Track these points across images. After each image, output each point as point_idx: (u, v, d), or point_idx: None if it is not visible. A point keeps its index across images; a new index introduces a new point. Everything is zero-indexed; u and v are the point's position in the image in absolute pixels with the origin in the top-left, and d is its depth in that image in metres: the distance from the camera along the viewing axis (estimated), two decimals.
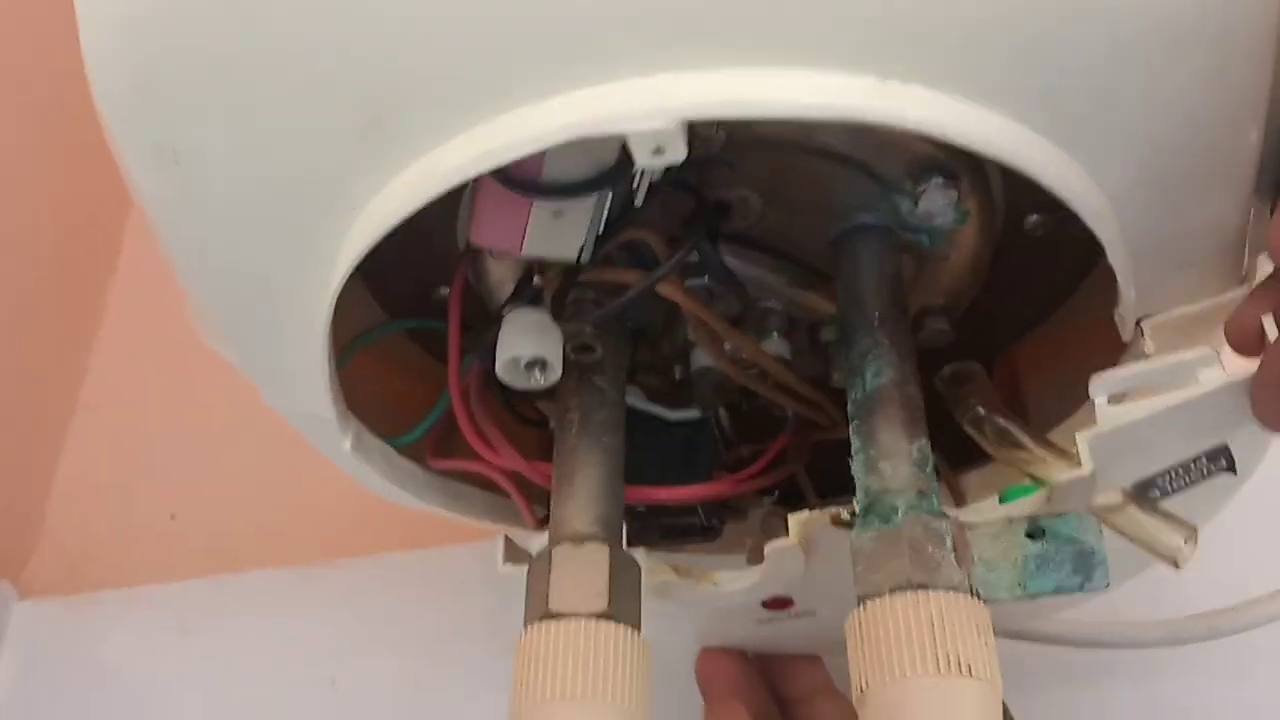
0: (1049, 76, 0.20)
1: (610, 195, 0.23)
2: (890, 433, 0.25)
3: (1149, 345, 0.26)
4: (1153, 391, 0.25)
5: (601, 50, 0.19)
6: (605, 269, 0.25)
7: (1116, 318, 0.27)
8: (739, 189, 0.27)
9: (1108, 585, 0.23)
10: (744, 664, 0.34)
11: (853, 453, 0.26)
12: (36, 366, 0.56)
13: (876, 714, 0.22)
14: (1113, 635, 0.35)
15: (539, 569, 0.25)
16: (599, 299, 0.25)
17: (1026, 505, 0.26)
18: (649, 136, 0.20)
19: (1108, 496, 0.26)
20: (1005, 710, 0.28)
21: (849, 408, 0.27)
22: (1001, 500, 0.28)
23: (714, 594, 0.28)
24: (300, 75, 0.20)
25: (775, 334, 0.30)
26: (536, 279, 0.26)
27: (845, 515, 0.26)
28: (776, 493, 0.34)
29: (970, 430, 0.29)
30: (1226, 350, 0.25)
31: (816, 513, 0.27)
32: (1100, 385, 0.25)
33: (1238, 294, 0.26)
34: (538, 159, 0.22)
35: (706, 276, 0.27)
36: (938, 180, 0.27)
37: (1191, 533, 0.26)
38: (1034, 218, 0.29)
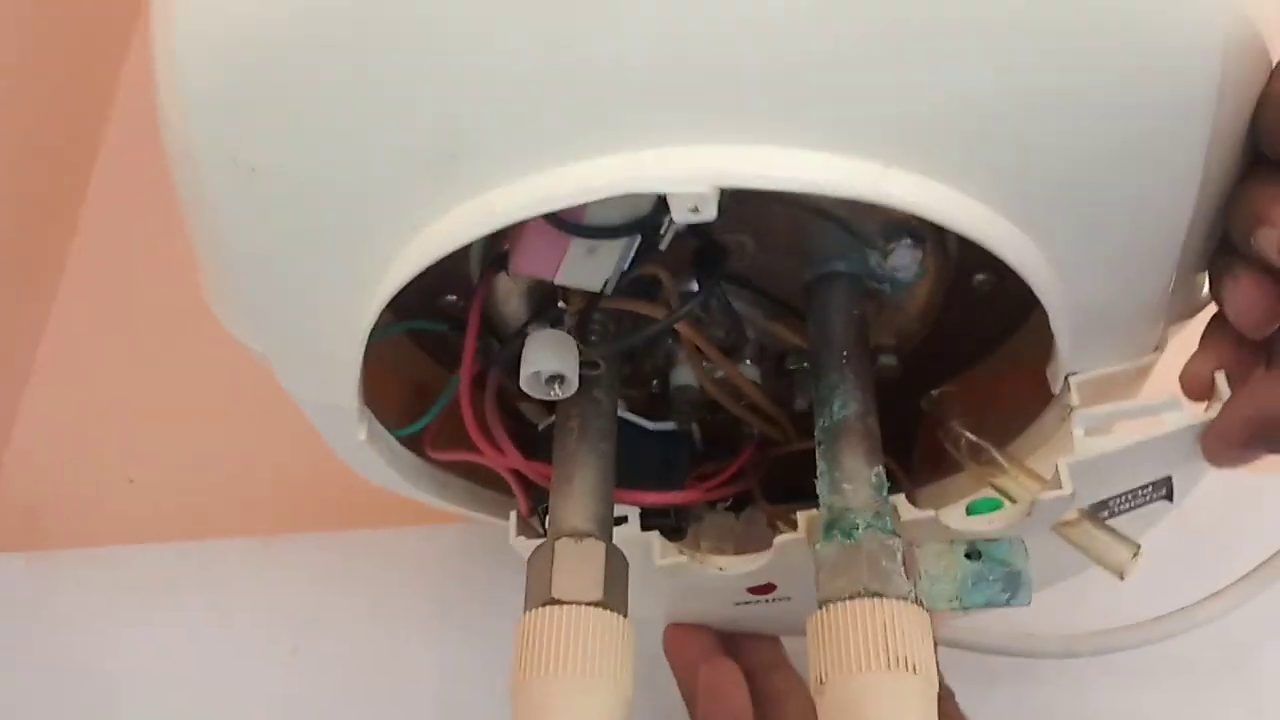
0: (1026, 174, 0.24)
1: (639, 238, 0.26)
2: (853, 459, 0.29)
3: (1074, 399, 0.31)
4: (1120, 428, 0.29)
5: (657, 121, 0.23)
6: (625, 300, 0.28)
7: (1049, 372, 0.31)
8: (736, 234, 0.30)
9: (1029, 603, 0.28)
10: (713, 636, 0.37)
11: (818, 473, 0.30)
12: None
13: (834, 704, 0.26)
14: (1016, 645, 0.39)
15: (541, 559, 0.28)
16: (614, 324, 0.29)
17: (1013, 516, 0.30)
18: (688, 198, 0.23)
19: (1067, 513, 0.31)
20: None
21: (816, 433, 0.30)
22: (969, 512, 0.32)
23: (717, 577, 0.32)
24: (389, 108, 0.23)
25: (748, 360, 0.34)
26: (561, 303, 0.29)
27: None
28: (730, 500, 0.38)
29: (949, 446, 0.33)
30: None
31: (822, 511, 0.30)
32: (1079, 420, 0.29)
33: (1154, 358, 0.31)
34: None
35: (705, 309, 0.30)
36: (907, 241, 0.31)
37: (1137, 549, 0.31)
38: (980, 276, 0.33)
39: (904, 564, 0.27)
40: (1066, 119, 0.24)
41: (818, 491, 0.29)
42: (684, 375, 0.34)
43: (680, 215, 0.23)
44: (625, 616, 0.28)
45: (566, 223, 0.25)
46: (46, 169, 0.62)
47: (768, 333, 0.34)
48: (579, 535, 0.28)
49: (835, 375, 0.31)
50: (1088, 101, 0.24)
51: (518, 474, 0.33)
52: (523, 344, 0.29)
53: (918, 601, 0.27)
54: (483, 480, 0.37)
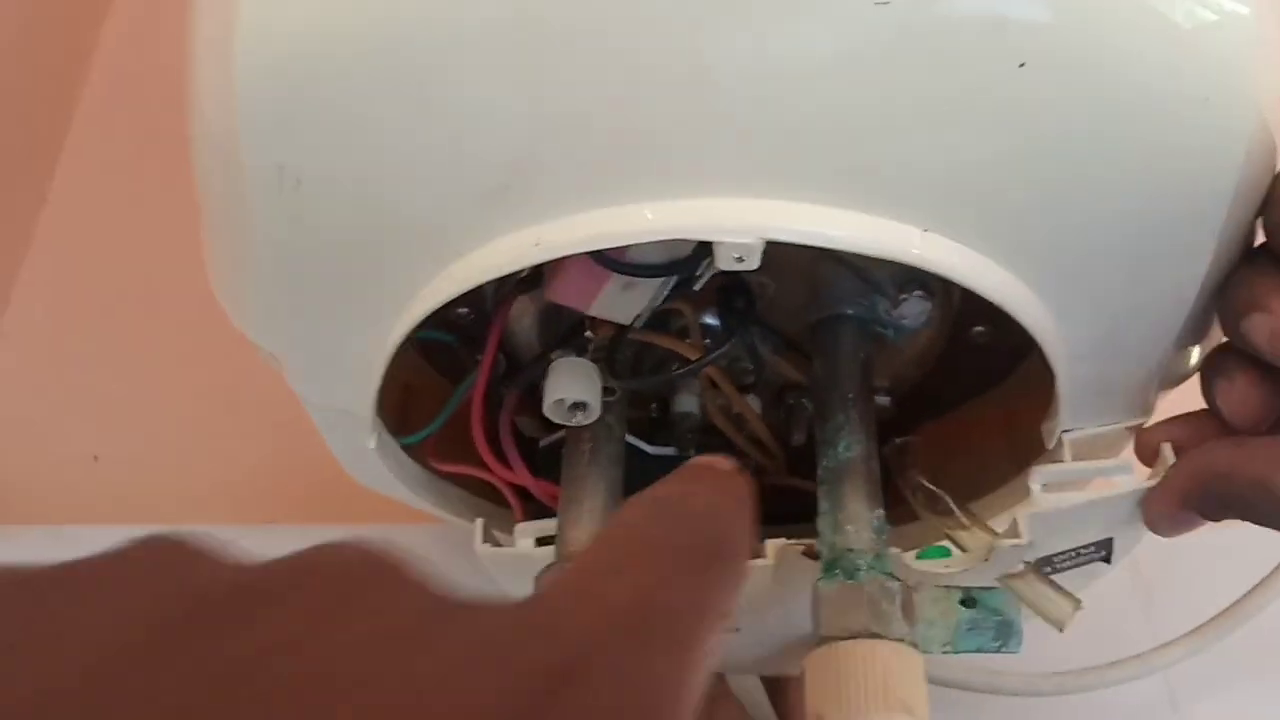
0: (1051, 248, 0.25)
1: (676, 279, 0.27)
2: (856, 501, 0.30)
3: (1067, 455, 0.32)
4: (1074, 487, 0.31)
5: (710, 171, 0.23)
6: (652, 333, 0.29)
7: (1044, 429, 0.32)
8: (759, 276, 0.31)
9: (1019, 651, 0.29)
10: None
11: (820, 511, 0.31)
12: None
13: None
14: (977, 680, 0.41)
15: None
16: (634, 354, 0.29)
17: (969, 561, 0.31)
18: (736, 247, 0.24)
19: (1015, 565, 0.32)
20: None
21: (820, 471, 0.31)
22: (919, 557, 0.33)
23: None
24: (446, 137, 0.24)
25: (752, 393, 0.35)
26: (588, 332, 0.30)
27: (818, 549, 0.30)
28: None
29: (907, 493, 0.35)
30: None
31: (792, 542, 0.30)
32: (1036, 475, 0.30)
33: (1142, 420, 0.32)
34: None
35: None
36: (919, 293, 0.32)
37: (1078, 604, 0.32)
38: (979, 328, 0.35)
39: (903, 607, 0.28)
40: (1096, 199, 0.25)
41: (819, 529, 0.30)
42: (686, 402, 0.35)
43: (725, 263, 0.24)
44: None
45: (610, 259, 0.26)
46: (16, 141, 0.61)
47: (772, 367, 0.35)
48: None
49: (841, 416, 0.32)
50: (1115, 185, 0.25)
51: (518, 489, 0.33)
52: (544, 369, 0.29)
53: (914, 644, 0.28)
54: (475, 491, 0.37)
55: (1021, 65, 0.22)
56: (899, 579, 0.29)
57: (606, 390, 0.30)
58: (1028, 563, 0.32)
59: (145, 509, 0.51)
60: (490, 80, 0.23)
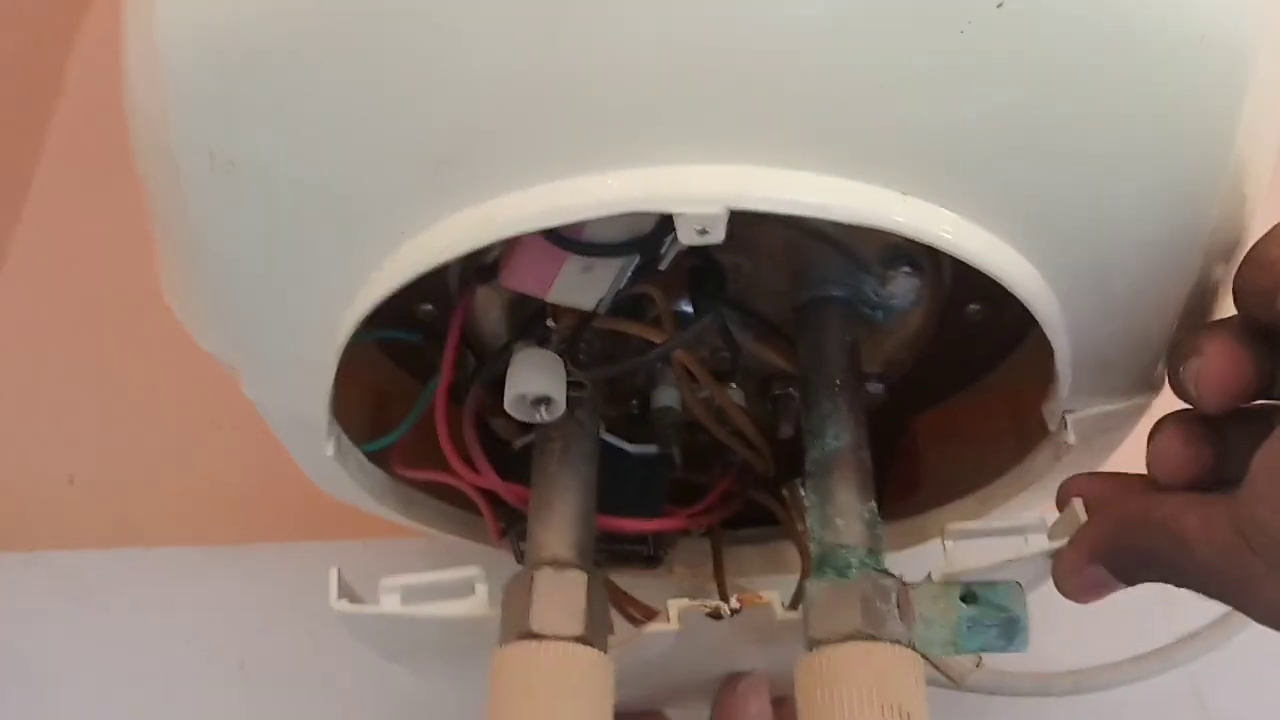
0: (1041, 208, 0.24)
1: (638, 258, 0.25)
2: (846, 493, 0.28)
3: (1070, 436, 0.30)
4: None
5: (667, 136, 0.22)
6: (617, 319, 0.27)
7: (1045, 410, 0.30)
8: (733, 255, 0.29)
9: (1026, 649, 0.27)
10: None
11: (808, 505, 0.29)
12: None
13: None
14: (988, 682, 0.38)
15: (518, 589, 0.26)
16: (602, 344, 0.27)
17: None
18: (697, 219, 0.22)
19: None
20: None
21: (806, 464, 0.29)
22: None
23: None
24: (382, 107, 0.22)
25: (733, 384, 0.33)
26: (550, 321, 0.28)
27: (725, 609, 0.28)
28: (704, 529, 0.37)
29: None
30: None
31: (697, 602, 0.28)
32: (952, 532, 0.28)
33: (1149, 398, 0.30)
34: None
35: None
36: (905, 269, 0.30)
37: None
38: (973, 307, 0.33)
39: (899, 606, 0.26)
40: (1087, 150, 0.23)
41: (808, 525, 0.28)
42: (666, 396, 0.33)
43: (686, 236, 0.22)
44: (606, 652, 0.26)
45: (565, 239, 0.24)
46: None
47: (754, 355, 0.33)
48: (560, 564, 0.27)
49: (828, 404, 0.30)
50: (1108, 134, 0.23)
51: (488, 494, 0.31)
52: (507, 362, 0.27)
53: (911, 645, 0.26)
54: (450, 499, 0.35)
55: (999, 5, 0.20)
56: (894, 575, 0.27)
57: (576, 384, 0.28)
58: None
59: (124, 531, 0.50)
60: (430, 42, 0.21)
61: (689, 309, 0.30)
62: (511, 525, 0.32)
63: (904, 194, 0.23)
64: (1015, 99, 0.22)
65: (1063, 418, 0.30)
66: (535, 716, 0.25)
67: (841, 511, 0.28)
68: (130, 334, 0.54)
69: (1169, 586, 0.25)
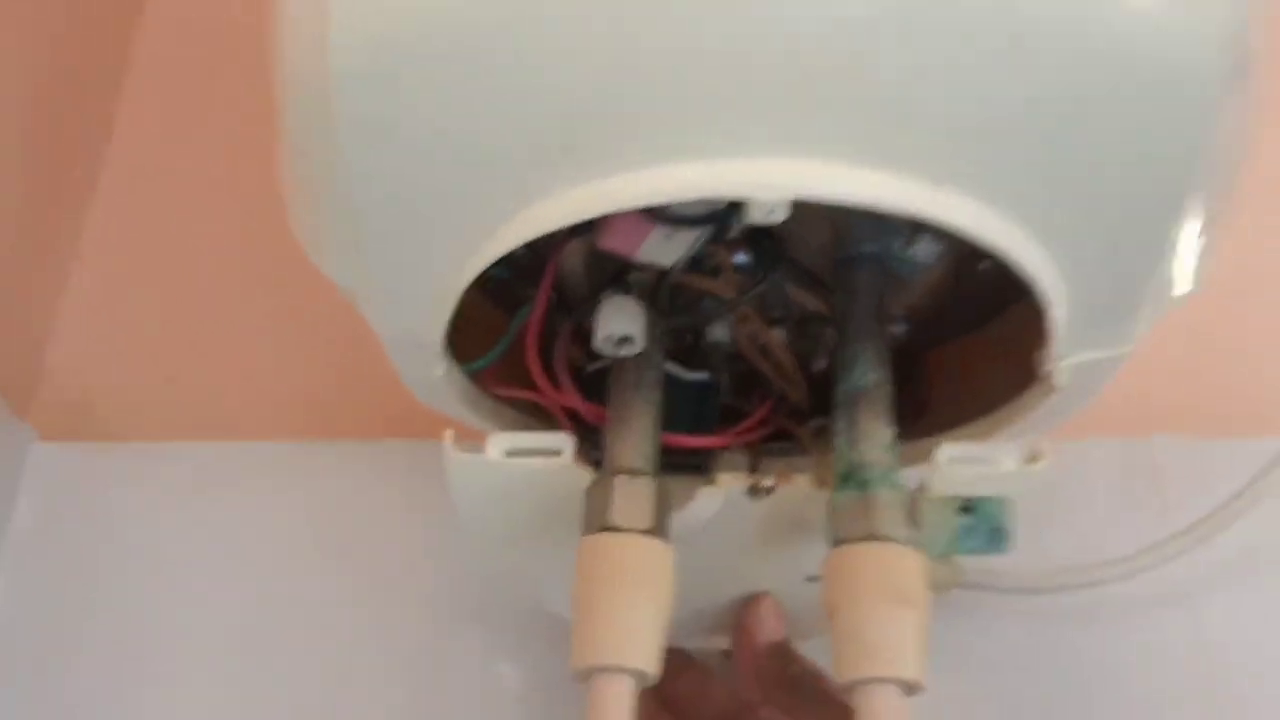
0: (1054, 200, 0.29)
1: (712, 228, 0.31)
2: (870, 422, 0.34)
3: (1060, 379, 0.35)
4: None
5: (747, 133, 0.27)
6: (691, 275, 0.33)
7: (1038, 358, 0.36)
8: (785, 222, 0.35)
9: (1005, 552, 0.33)
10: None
11: (835, 430, 0.35)
12: (36, 209, 0.58)
13: (844, 629, 0.31)
14: (981, 579, 0.45)
15: (600, 491, 0.33)
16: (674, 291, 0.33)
17: None
18: (768, 205, 0.27)
19: None
20: None
21: (836, 394, 0.35)
22: None
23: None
24: (517, 100, 0.26)
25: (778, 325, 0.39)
26: (633, 274, 0.34)
27: (765, 482, 0.35)
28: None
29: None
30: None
31: (741, 473, 0.35)
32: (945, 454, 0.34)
33: (1129, 347, 0.36)
34: None
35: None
36: (930, 235, 0.35)
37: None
38: (986, 263, 0.38)
39: (908, 515, 0.32)
40: (1072, 111, 0.27)
41: (835, 446, 0.34)
42: (718, 332, 0.38)
43: (758, 216, 0.27)
44: (668, 543, 0.33)
45: (655, 212, 0.30)
46: (81, 64, 0.63)
47: (797, 300, 0.39)
48: (633, 472, 0.33)
49: (858, 346, 0.35)
50: (1100, 120, 0.27)
51: (568, 411, 0.37)
52: (596, 307, 0.33)
53: (917, 547, 0.32)
54: (529, 411, 0.41)
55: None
56: (905, 489, 0.33)
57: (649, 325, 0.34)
58: None
59: (218, 427, 0.55)
60: (554, 53, 0.26)
61: (744, 260, 0.35)
62: (585, 437, 0.38)
63: (937, 185, 0.28)
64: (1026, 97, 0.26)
65: (1054, 364, 0.35)
66: (615, 592, 0.31)
67: (865, 437, 0.34)
68: (224, 241, 0.58)
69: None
